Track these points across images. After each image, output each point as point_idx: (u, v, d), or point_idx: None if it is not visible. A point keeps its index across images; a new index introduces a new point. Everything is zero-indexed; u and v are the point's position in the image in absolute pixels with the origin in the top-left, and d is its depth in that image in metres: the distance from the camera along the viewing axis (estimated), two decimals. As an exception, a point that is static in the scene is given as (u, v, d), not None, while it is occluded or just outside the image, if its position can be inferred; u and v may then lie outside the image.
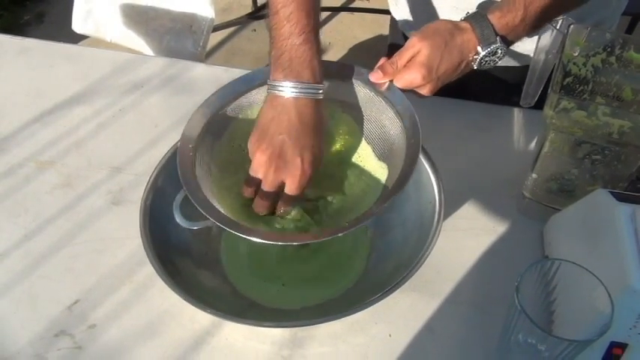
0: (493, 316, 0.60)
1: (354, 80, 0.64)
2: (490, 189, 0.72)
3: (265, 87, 0.62)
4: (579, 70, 0.64)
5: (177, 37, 1.25)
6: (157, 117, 0.82)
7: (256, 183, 0.60)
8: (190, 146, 0.60)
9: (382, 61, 0.62)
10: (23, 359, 0.58)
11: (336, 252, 0.66)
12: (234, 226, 0.55)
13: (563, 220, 0.63)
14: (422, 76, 0.59)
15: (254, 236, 0.54)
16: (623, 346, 0.52)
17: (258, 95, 0.65)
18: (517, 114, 0.79)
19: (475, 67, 0.63)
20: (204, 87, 0.86)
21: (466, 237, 0.67)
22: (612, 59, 0.63)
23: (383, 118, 0.63)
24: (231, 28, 2.20)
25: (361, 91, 0.64)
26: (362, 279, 0.62)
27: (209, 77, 0.88)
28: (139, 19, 1.25)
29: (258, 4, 2.27)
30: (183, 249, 0.63)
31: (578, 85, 0.65)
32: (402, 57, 0.61)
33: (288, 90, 0.58)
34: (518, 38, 0.63)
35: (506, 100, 0.79)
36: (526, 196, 0.68)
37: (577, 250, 0.58)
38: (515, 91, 0.75)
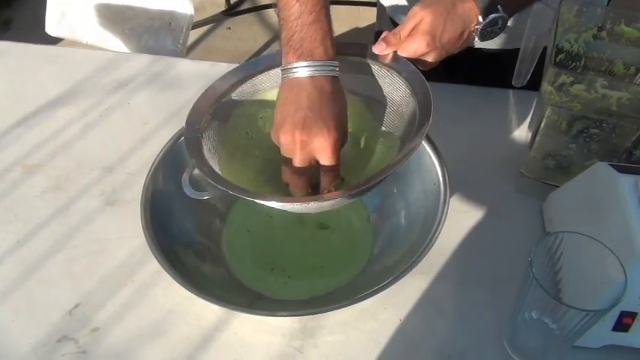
0: (501, 294, 0.60)
1: (356, 57, 0.63)
2: (487, 170, 0.72)
3: (271, 72, 0.61)
4: (571, 46, 0.65)
5: (155, 36, 1.22)
6: (145, 115, 0.81)
7: (292, 166, 0.58)
8: (197, 127, 0.59)
9: (385, 33, 0.61)
10: (26, 367, 0.56)
11: (340, 240, 0.66)
12: (245, 192, 0.54)
13: (564, 195, 0.64)
14: (426, 43, 0.59)
15: (266, 200, 0.53)
16: (633, 315, 0.53)
17: (264, 81, 0.64)
18: (510, 95, 0.80)
19: (477, 39, 0.62)
20: (190, 83, 0.85)
21: (467, 218, 0.68)
22: (603, 34, 0.63)
23: (391, 90, 0.62)
24: (206, 27, 2.18)
25: (366, 66, 0.63)
26: (368, 265, 0.62)
27: (195, 73, 0.87)
28: (115, 19, 1.23)
29: (232, 2, 2.25)
30: (187, 244, 0.61)
31: (570, 62, 0.65)
32: (404, 27, 0.61)
33: (302, 70, 0.56)
34: (519, 8, 0.63)
35: (499, 84, 0.80)
36: (524, 174, 0.68)
37: (580, 224, 0.59)
38: (506, 74, 0.76)
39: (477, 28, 0.61)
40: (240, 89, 0.64)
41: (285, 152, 0.58)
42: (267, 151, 0.63)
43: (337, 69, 0.58)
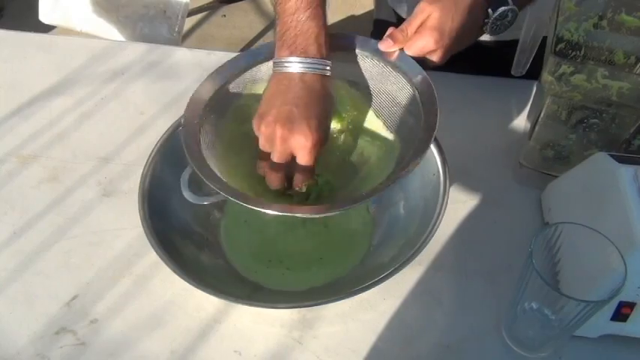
0: (499, 285, 0.60)
1: (361, 51, 0.62)
2: (486, 160, 0.72)
3: (270, 62, 0.60)
4: (571, 35, 0.64)
5: (150, 24, 1.21)
6: (142, 104, 0.80)
7: (267, 158, 0.58)
8: (195, 122, 0.58)
9: (391, 29, 0.60)
10: (25, 359, 0.56)
11: (338, 232, 0.65)
12: (245, 198, 0.54)
13: (563, 185, 0.64)
14: (434, 40, 0.58)
15: (266, 208, 0.53)
16: (631, 305, 0.53)
17: (262, 71, 0.64)
18: (509, 84, 0.79)
19: (487, 33, 0.61)
20: (187, 72, 0.84)
21: (466, 208, 0.67)
22: (604, 23, 0.63)
23: (394, 89, 0.61)
24: (201, 15, 2.15)
25: (369, 63, 0.62)
26: (368, 256, 0.62)
27: (191, 61, 0.86)
28: (109, 6, 1.21)
29: (227, -11, 2.23)
30: (185, 235, 0.61)
31: (570, 51, 0.65)
32: (411, 23, 0.59)
33: (294, 66, 0.56)
34: (528, 1, 0.62)
35: (498, 73, 0.79)
36: (523, 164, 0.68)
37: (579, 214, 0.59)
38: (505, 63, 0.75)
39: (487, 22, 0.60)
40: (239, 79, 0.63)
41: (263, 143, 0.58)
42: None
43: (329, 68, 0.58)
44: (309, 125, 0.55)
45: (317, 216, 0.58)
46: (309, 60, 0.56)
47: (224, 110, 0.62)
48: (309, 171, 0.58)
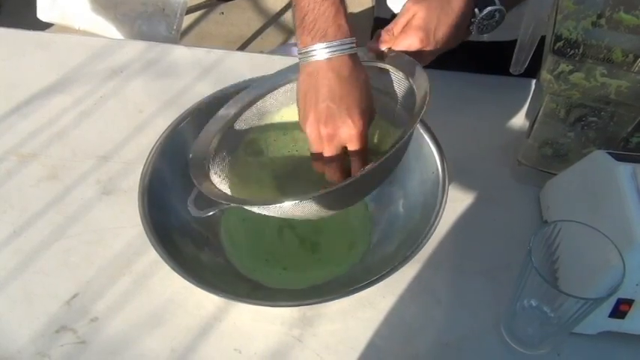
0: (498, 283, 0.61)
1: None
2: (485, 158, 0.72)
3: (276, 93, 0.61)
4: (570, 33, 0.64)
5: (149, 22, 1.21)
6: (141, 102, 0.80)
7: (321, 156, 0.58)
8: (204, 158, 0.58)
9: (378, 32, 0.61)
10: (25, 358, 0.56)
11: (337, 230, 0.65)
12: (246, 202, 0.54)
13: (561, 183, 0.64)
14: (419, 39, 0.58)
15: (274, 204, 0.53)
16: (629, 302, 0.53)
17: (267, 103, 0.64)
18: (507, 82, 0.79)
19: (474, 32, 0.62)
20: (186, 70, 0.84)
21: (464, 206, 0.68)
22: (602, 21, 0.63)
23: (389, 85, 0.61)
24: (199, 12, 2.15)
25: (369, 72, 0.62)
26: (367, 254, 0.62)
27: (190, 59, 0.86)
28: (107, 4, 1.21)
29: (225, -14, 2.22)
30: (184, 234, 0.61)
31: (569, 49, 0.65)
32: (397, 23, 0.60)
33: (319, 53, 0.55)
34: (516, 1, 0.62)
35: (496, 71, 0.79)
36: (521, 162, 0.68)
37: (577, 212, 0.59)
38: (504, 61, 0.75)
39: (474, 22, 0.61)
40: (245, 115, 0.63)
41: (313, 145, 0.58)
42: (281, 168, 0.64)
43: (354, 45, 0.56)
44: (350, 116, 0.55)
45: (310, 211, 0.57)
46: (332, 43, 0.55)
47: (234, 146, 0.63)
48: (363, 154, 0.57)
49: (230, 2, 2.16)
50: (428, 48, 0.59)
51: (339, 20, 0.56)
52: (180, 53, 0.87)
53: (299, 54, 0.57)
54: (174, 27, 1.20)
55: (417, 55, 0.60)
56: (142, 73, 0.84)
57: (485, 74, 0.81)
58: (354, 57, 0.56)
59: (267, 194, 0.63)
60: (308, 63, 0.56)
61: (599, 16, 0.63)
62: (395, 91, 0.61)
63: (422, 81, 0.56)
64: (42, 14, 1.23)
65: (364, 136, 0.56)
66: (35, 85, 0.82)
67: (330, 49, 0.55)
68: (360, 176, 0.52)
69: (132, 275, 0.62)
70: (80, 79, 0.83)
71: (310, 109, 0.56)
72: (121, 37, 1.23)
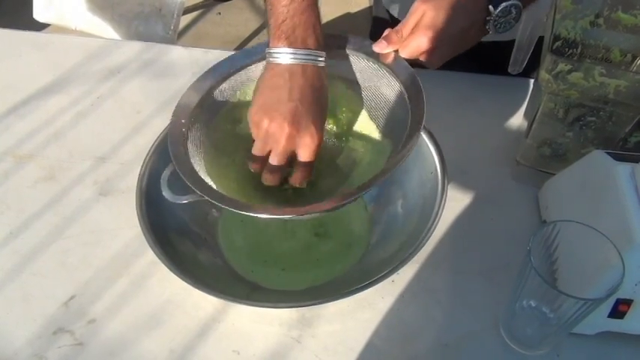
0: (497, 282, 0.60)
1: (356, 53, 0.62)
2: (483, 157, 0.72)
3: (259, 64, 0.60)
4: (568, 33, 0.64)
5: (146, 22, 1.21)
6: (138, 103, 0.80)
7: (263, 155, 0.58)
8: (183, 121, 0.58)
9: (387, 31, 0.60)
10: (22, 360, 0.56)
11: (336, 231, 0.65)
12: (222, 200, 0.53)
13: (560, 183, 0.64)
14: (428, 38, 0.57)
15: (244, 210, 0.52)
16: (628, 303, 0.53)
17: (255, 71, 0.63)
18: (505, 82, 0.79)
19: (491, 32, 0.60)
20: (183, 70, 0.84)
21: (463, 206, 0.68)
22: (600, 21, 0.63)
23: (388, 92, 0.61)
24: (195, 12, 2.15)
25: (364, 64, 0.62)
26: (366, 254, 0.62)
27: (187, 60, 0.86)
28: (104, 4, 1.21)
29: (222, -13, 2.22)
30: (182, 235, 0.61)
31: (567, 49, 0.65)
32: (406, 24, 0.59)
33: (295, 57, 0.55)
34: None
35: (495, 71, 0.79)
36: (520, 162, 0.68)
37: (576, 211, 0.59)
38: (502, 61, 0.75)
39: (489, 20, 0.59)
40: (231, 80, 0.63)
41: (264, 139, 0.57)
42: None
43: (323, 59, 0.57)
44: (315, 124, 0.55)
45: (302, 218, 0.57)
46: (308, 52, 0.55)
47: (215, 111, 0.62)
48: (309, 169, 0.58)
49: (227, 2, 2.16)
50: (438, 48, 0.58)
51: (317, 31, 0.57)
52: (178, 54, 0.87)
53: (268, 53, 0.57)
54: (171, 27, 1.20)
55: (427, 56, 0.59)
56: (139, 73, 0.84)
57: (483, 74, 0.81)
58: (323, 72, 0.57)
59: (239, 169, 0.61)
60: (278, 64, 0.56)
61: (597, 16, 0.63)
62: (386, 94, 0.61)
63: (418, 98, 0.56)
64: (38, 15, 1.23)
65: (318, 149, 0.57)
66: (32, 85, 0.81)
67: (308, 58, 0.56)
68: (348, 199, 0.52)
69: (130, 276, 0.62)
70: (77, 80, 0.83)
71: (276, 104, 0.55)
72: (118, 38, 1.22)
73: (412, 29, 0.59)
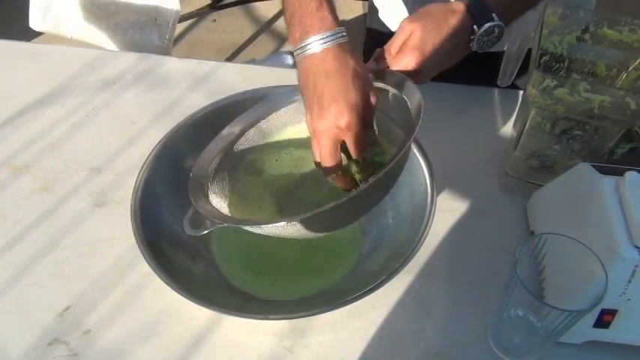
0: (486, 293, 0.62)
1: None
2: (472, 169, 0.73)
3: (280, 112, 0.62)
4: (555, 48, 0.66)
5: (141, 31, 1.22)
6: (133, 114, 0.80)
7: (337, 156, 0.57)
8: (204, 176, 0.59)
9: (377, 52, 0.61)
10: (18, 370, 0.56)
11: (328, 242, 0.66)
12: (241, 222, 0.55)
13: (547, 194, 0.65)
14: (415, 59, 0.58)
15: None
16: (613, 313, 0.54)
17: (270, 123, 0.65)
18: (494, 94, 0.81)
19: (474, 49, 0.62)
20: (178, 81, 0.85)
21: (453, 217, 0.69)
22: (587, 36, 0.64)
23: (385, 106, 0.62)
24: (191, 20, 2.16)
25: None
26: (358, 265, 0.63)
27: (183, 71, 0.87)
28: (100, 13, 1.22)
29: (217, -6, 2.23)
30: (177, 246, 0.62)
31: (554, 63, 0.66)
32: (393, 43, 0.60)
33: (309, 48, 0.55)
34: (515, 16, 0.62)
35: (484, 83, 0.80)
36: (508, 173, 0.70)
37: (562, 223, 0.60)
38: (491, 74, 0.76)
39: (473, 39, 0.60)
40: (248, 135, 0.64)
41: (312, 145, 0.58)
42: (282, 188, 0.65)
43: (340, 35, 0.55)
44: (337, 107, 0.53)
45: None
46: (314, 38, 0.54)
47: (235, 167, 0.63)
48: (360, 146, 0.56)
49: (222, 10, 2.17)
50: (424, 67, 0.59)
51: (322, 12, 0.55)
52: (173, 65, 0.88)
53: (293, 52, 0.58)
54: (167, 36, 1.21)
55: (413, 75, 0.60)
56: (134, 84, 0.85)
57: (473, 86, 0.82)
58: (339, 47, 0.55)
59: (267, 214, 0.63)
60: (300, 61, 0.57)
61: (584, 31, 0.65)
62: (390, 108, 0.62)
63: (414, 98, 0.57)
64: (34, 24, 1.23)
65: (355, 125, 0.54)
66: (27, 96, 0.82)
67: (315, 43, 0.55)
68: (351, 197, 0.52)
69: (124, 287, 0.62)
70: (72, 91, 0.83)
71: (307, 108, 0.56)
72: (114, 47, 1.23)
73: (400, 48, 0.60)
